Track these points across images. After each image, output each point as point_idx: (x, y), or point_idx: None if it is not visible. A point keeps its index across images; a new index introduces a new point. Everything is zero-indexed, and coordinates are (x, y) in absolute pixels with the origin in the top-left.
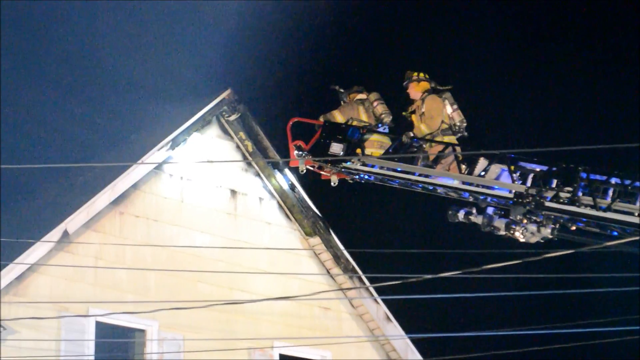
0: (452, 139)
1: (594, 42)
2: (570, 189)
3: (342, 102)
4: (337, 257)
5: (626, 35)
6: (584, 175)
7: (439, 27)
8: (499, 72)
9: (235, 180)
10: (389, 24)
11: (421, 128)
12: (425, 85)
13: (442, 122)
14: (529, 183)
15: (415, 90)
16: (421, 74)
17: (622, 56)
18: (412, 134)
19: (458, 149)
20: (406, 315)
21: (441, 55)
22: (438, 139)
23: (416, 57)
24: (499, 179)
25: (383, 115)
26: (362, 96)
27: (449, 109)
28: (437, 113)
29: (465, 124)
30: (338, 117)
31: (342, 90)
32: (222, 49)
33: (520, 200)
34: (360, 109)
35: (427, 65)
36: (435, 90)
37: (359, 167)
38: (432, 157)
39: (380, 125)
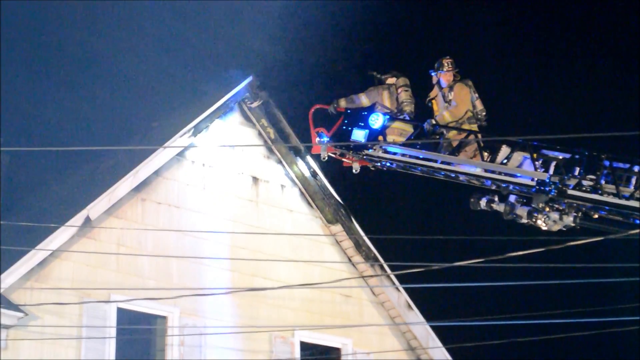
0: (474, 127)
1: (617, 26)
2: (593, 176)
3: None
4: (359, 245)
5: None
6: (606, 163)
7: (462, 15)
8: (522, 59)
9: (257, 167)
10: (411, 12)
11: (444, 115)
12: (453, 73)
13: (468, 110)
14: (551, 171)
15: (446, 77)
16: (452, 61)
17: None
18: (434, 121)
19: (480, 136)
20: (427, 303)
21: (464, 43)
22: (465, 126)
23: (439, 44)
24: (521, 167)
25: (404, 104)
26: (391, 80)
27: (473, 98)
28: (463, 101)
29: (484, 114)
30: (364, 99)
31: (379, 76)
32: (245, 36)
33: (542, 188)
34: (385, 93)
35: (450, 53)
36: (461, 79)
37: (380, 154)
38: (454, 144)
39: (399, 113)
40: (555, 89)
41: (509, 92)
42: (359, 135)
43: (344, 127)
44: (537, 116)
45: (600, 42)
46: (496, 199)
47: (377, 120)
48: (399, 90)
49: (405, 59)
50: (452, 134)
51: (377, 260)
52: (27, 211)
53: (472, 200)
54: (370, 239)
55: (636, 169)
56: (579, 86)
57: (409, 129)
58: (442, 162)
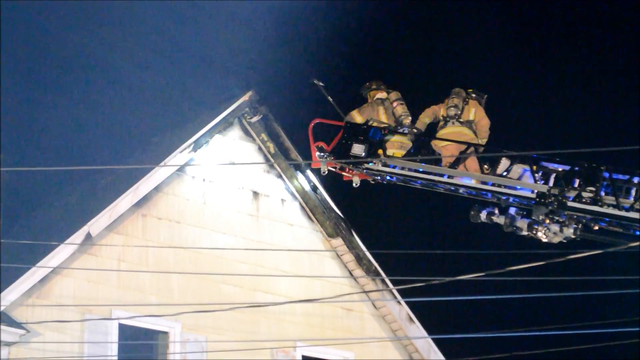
0: (400, 138)
1: (617, 40)
2: (592, 188)
3: (328, 97)
4: (360, 259)
5: None
6: (606, 174)
7: (460, 28)
8: (520, 72)
9: (257, 181)
10: (411, 26)
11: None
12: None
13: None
14: (551, 183)
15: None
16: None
17: None
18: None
19: (481, 149)
20: (429, 316)
21: (463, 56)
22: (394, 137)
23: (438, 57)
24: (521, 179)
25: (402, 117)
26: (382, 95)
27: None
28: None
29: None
30: (357, 117)
31: (321, 84)
32: (244, 50)
33: (542, 200)
34: (380, 109)
35: (451, 66)
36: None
37: (380, 168)
38: (452, 159)
39: (399, 126)
40: (555, 101)
41: (509, 105)
42: (358, 149)
43: (344, 141)
44: (537, 128)
45: (600, 54)
46: (496, 211)
47: (376, 134)
48: (394, 104)
49: (407, 71)
50: (451, 149)
51: (378, 274)
52: (28, 228)
53: (472, 213)
54: (371, 252)
55: (636, 180)
56: (578, 98)
57: (407, 141)
58: (442, 175)
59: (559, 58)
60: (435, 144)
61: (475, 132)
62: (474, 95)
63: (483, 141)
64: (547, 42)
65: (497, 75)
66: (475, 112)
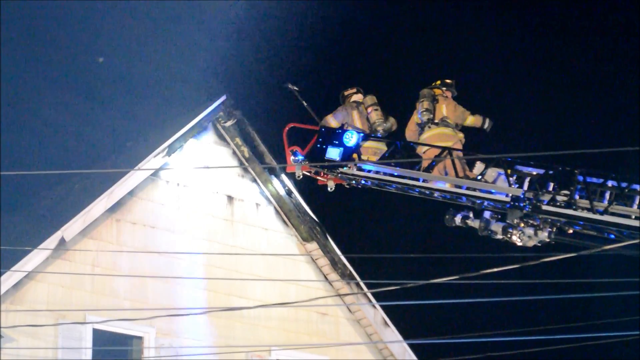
0: (375, 144)
1: (591, 44)
2: (567, 192)
3: (302, 101)
4: (335, 263)
5: (624, 37)
6: (580, 178)
7: (439, 30)
8: (496, 75)
9: (231, 186)
10: (388, 27)
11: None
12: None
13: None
14: (525, 186)
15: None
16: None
17: (620, 58)
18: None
19: (460, 153)
20: (404, 320)
21: (440, 57)
22: (368, 143)
23: (415, 59)
24: (495, 183)
25: (376, 124)
26: (358, 98)
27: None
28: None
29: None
30: (332, 122)
31: (296, 88)
32: (218, 54)
33: (517, 204)
34: (354, 113)
35: (427, 67)
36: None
37: (355, 172)
38: (427, 162)
39: (373, 133)
40: (529, 104)
41: (483, 108)
42: (333, 153)
43: (318, 146)
44: (512, 132)
45: (576, 57)
46: (471, 215)
47: (351, 138)
48: (369, 109)
49: (383, 75)
50: (431, 154)
51: (353, 277)
52: (1, 233)
53: (447, 216)
54: (345, 256)
55: (610, 183)
56: (553, 102)
57: (382, 147)
58: (417, 179)
59: (534, 61)
60: (418, 149)
61: (453, 126)
62: (443, 88)
63: (470, 120)
64: (523, 46)
65: (472, 79)
66: (445, 107)
